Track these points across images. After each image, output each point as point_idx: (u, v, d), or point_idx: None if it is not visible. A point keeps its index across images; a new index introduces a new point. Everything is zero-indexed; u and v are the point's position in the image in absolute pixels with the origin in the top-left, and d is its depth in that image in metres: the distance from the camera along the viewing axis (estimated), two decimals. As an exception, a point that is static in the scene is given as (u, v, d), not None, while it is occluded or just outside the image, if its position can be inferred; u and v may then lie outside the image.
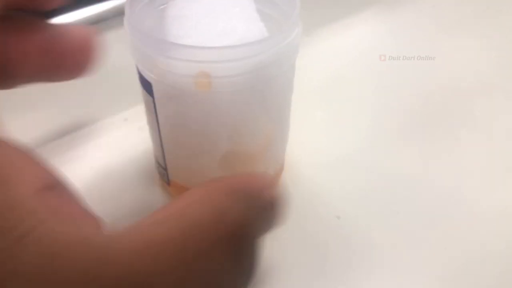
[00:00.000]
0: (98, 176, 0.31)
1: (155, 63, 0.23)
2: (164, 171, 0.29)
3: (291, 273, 0.27)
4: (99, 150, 0.33)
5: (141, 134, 0.33)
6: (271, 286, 0.26)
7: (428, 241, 0.29)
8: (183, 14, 0.25)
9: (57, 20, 0.41)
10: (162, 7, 0.26)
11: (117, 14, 0.44)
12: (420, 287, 0.27)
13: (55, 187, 0.15)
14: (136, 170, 0.32)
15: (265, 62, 0.22)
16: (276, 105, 0.26)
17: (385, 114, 0.37)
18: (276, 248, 0.27)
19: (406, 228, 0.30)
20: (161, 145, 0.27)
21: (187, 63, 0.22)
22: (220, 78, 0.22)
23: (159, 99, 0.25)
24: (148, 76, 0.24)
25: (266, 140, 0.27)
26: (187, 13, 0.25)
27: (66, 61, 0.20)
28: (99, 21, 0.43)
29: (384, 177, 0.32)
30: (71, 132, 0.34)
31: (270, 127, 0.27)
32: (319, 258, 0.28)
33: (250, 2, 0.26)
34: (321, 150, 0.34)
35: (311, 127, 0.35)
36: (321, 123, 0.36)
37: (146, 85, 0.25)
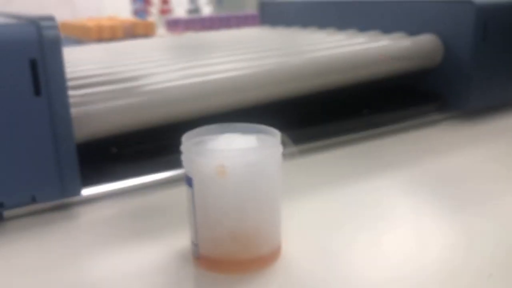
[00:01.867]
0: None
1: (195, 162, 0.40)
2: (195, 247, 0.43)
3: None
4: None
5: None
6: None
7: None
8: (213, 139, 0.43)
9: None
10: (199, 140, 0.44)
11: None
12: None
13: None
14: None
15: (257, 160, 0.39)
16: (266, 193, 0.42)
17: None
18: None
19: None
20: (195, 224, 0.42)
21: (211, 159, 0.39)
22: (231, 169, 0.39)
23: (196, 187, 0.41)
24: (191, 173, 0.41)
25: (260, 221, 0.42)
26: (215, 140, 0.43)
27: None
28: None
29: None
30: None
31: (265, 210, 0.42)
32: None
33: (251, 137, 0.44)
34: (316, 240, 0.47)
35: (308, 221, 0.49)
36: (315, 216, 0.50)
37: (189, 181, 0.41)
